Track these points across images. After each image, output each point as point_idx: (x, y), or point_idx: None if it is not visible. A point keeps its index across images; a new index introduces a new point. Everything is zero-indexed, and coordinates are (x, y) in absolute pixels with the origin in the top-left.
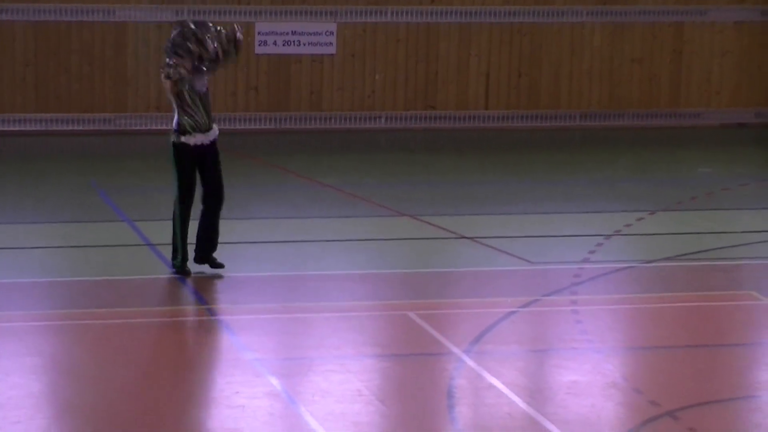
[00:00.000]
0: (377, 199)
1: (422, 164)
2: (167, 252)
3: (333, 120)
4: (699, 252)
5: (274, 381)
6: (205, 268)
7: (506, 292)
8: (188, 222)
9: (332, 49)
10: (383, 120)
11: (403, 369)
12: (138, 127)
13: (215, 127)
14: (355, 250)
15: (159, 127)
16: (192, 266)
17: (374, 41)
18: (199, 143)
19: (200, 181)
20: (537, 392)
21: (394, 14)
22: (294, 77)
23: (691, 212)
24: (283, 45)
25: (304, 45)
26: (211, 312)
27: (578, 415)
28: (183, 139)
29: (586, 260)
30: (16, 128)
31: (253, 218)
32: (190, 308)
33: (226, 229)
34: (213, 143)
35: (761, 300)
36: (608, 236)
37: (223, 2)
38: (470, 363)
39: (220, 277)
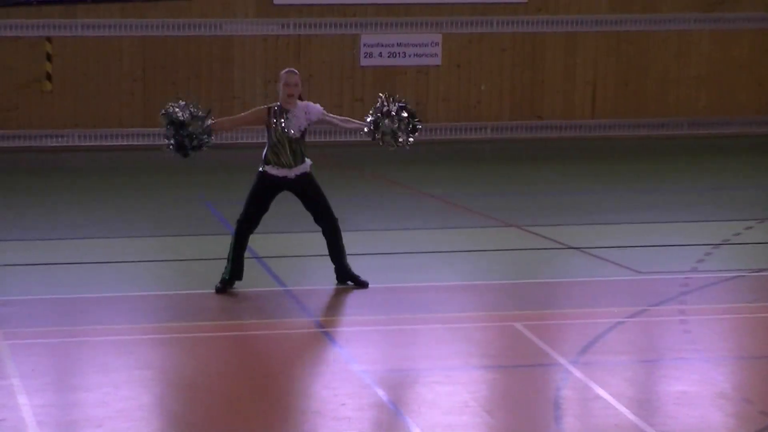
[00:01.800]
0: (483, 210)
1: (528, 174)
2: (274, 265)
3: (438, 131)
4: None
5: (381, 392)
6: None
7: (613, 302)
8: (242, 243)
9: (437, 60)
10: (489, 130)
11: (510, 380)
12: (244, 141)
13: (305, 162)
14: (461, 261)
15: (264, 140)
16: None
17: (479, 51)
18: (281, 175)
19: (308, 211)
20: (645, 403)
21: (499, 24)
22: (399, 88)
23: None
24: (389, 57)
25: (410, 56)
26: (318, 324)
27: (687, 425)
28: (266, 168)
29: (694, 269)
30: (124, 143)
31: (359, 230)
32: (296, 320)
33: None
34: (302, 176)
35: None
36: (717, 245)
37: (329, 15)
38: (577, 374)
39: (325, 290)
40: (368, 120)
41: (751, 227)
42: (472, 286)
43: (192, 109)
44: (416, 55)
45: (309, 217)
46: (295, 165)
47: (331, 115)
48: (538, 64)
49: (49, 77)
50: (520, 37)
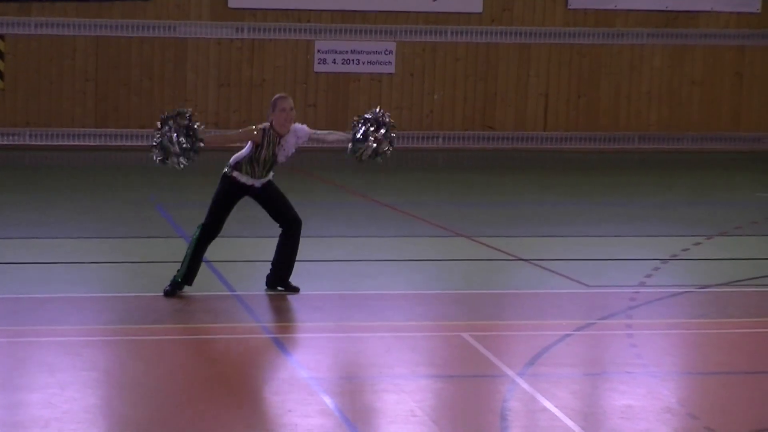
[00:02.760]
0: (434, 219)
1: (480, 184)
2: (224, 269)
3: None
4: (757, 278)
5: (328, 400)
6: (257, 288)
7: (562, 314)
8: (204, 247)
9: (391, 68)
10: (441, 140)
11: (456, 390)
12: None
13: (266, 176)
14: (411, 270)
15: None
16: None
17: (433, 60)
18: (249, 183)
19: (272, 217)
20: (591, 416)
21: (454, 34)
22: (352, 95)
23: (750, 237)
24: (343, 63)
25: (363, 64)
26: (266, 330)
27: None
28: (235, 174)
29: (642, 284)
30: (76, 142)
31: (310, 236)
32: (245, 326)
33: None
34: (266, 183)
35: None
36: (665, 260)
37: (284, 20)
38: (524, 385)
39: (275, 295)
40: (358, 131)
41: (699, 243)
42: (422, 295)
43: (182, 141)
44: (370, 62)
45: (259, 223)
46: (265, 177)
47: (318, 131)
48: (491, 74)
49: (0, 75)
50: (474, 48)
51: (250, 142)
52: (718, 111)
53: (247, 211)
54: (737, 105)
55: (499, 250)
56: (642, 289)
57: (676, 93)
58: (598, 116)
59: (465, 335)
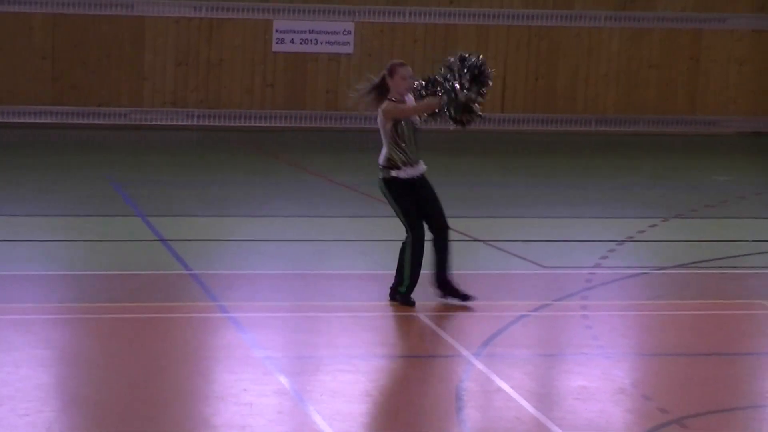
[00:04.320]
0: None
1: (437, 165)
2: (179, 248)
3: (349, 119)
4: (712, 260)
5: (283, 379)
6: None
7: (518, 295)
8: (422, 253)
9: (350, 48)
10: None
11: (412, 370)
12: (154, 122)
13: (422, 162)
14: (369, 250)
15: (174, 123)
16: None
17: (392, 41)
18: (409, 177)
19: (421, 215)
20: (545, 396)
21: (412, 15)
22: (311, 75)
23: (706, 220)
24: (301, 43)
25: (322, 44)
26: (222, 309)
27: (587, 420)
28: (393, 173)
29: (598, 265)
30: (33, 120)
31: (268, 215)
32: (201, 304)
33: (240, 226)
34: (422, 176)
35: None
36: (621, 242)
37: None
38: (479, 366)
39: (232, 274)
40: (445, 84)
41: (655, 225)
42: (379, 276)
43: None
44: (328, 42)
45: (218, 202)
46: (418, 161)
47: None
48: (449, 55)
49: None
50: (432, 29)
51: (387, 129)
52: (674, 94)
53: (207, 190)
54: (693, 88)
55: (456, 230)
56: (598, 271)
57: (634, 76)
58: (556, 98)
59: (421, 315)
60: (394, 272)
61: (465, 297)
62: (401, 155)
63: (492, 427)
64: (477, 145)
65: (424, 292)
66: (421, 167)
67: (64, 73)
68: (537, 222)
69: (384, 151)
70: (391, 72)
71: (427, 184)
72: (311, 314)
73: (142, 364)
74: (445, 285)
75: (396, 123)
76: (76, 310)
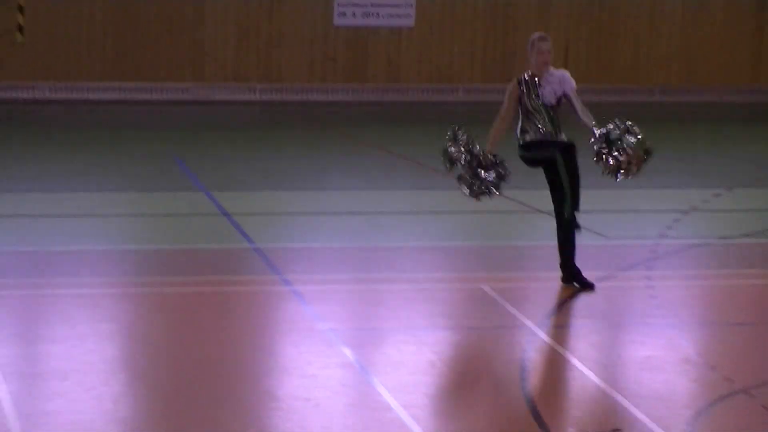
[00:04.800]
0: (452, 172)
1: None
2: (243, 222)
3: (410, 92)
4: None
5: (347, 351)
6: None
7: (582, 266)
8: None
9: (410, 21)
10: (461, 92)
11: (476, 341)
12: (215, 98)
13: (564, 137)
14: (431, 222)
15: (235, 98)
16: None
17: (453, 13)
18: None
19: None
20: (610, 367)
21: None
22: (372, 49)
23: None
24: (362, 17)
25: (383, 17)
26: (285, 282)
27: (651, 390)
28: (528, 138)
29: (662, 236)
30: (95, 96)
31: (329, 189)
32: (264, 278)
33: (301, 199)
34: (569, 145)
35: None
36: (685, 212)
37: None
38: (544, 337)
39: (294, 247)
40: (599, 132)
41: (719, 195)
42: (442, 248)
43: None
44: (390, 15)
45: (279, 176)
46: (554, 131)
47: (577, 97)
48: (510, 26)
49: (20, 29)
50: (492, 3)
51: (518, 107)
52: (738, 64)
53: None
54: (757, 58)
55: (518, 201)
56: (662, 241)
57: (697, 46)
58: (618, 69)
59: (485, 287)
60: (455, 243)
61: (586, 284)
62: (532, 127)
63: (557, 397)
64: None
65: (490, 262)
66: (558, 137)
67: (126, 50)
68: (600, 193)
69: (517, 126)
70: (531, 46)
71: (571, 158)
72: (373, 287)
73: (206, 338)
74: (566, 267)
75: (519, 101)
76: (140, 285)
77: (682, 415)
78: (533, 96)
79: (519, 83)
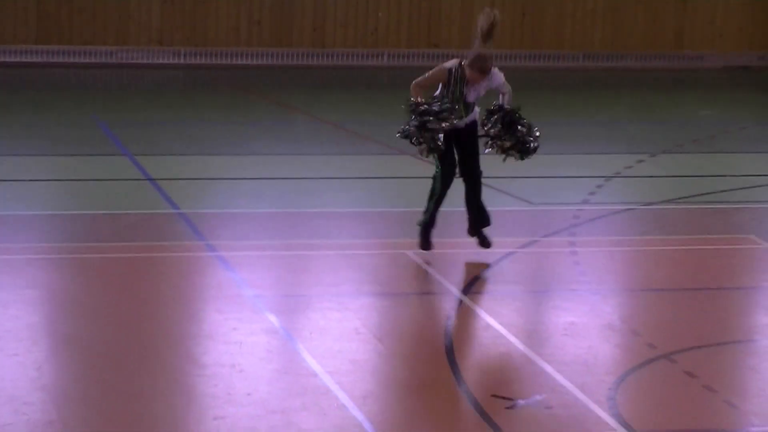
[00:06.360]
0: (378, 137)
1: None
2: (168, 187)
3: (335, 56)
4: (699, 195)
5: (272, 318)
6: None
7: (506, 232)
8: (440, 201)
9: None
10: (386, 57)
11: (401, 308)
12: (140, 60)
13: (475, 111)
14: (356, 188)
15: (160, 61)
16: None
17: None
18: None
19: (458, 163)
20: (534, 333)
21: None
22: (297, 12)
23: (692, 155)
24: None
25: None
26: (210, 248)
27: (575, 356)
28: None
29: (585, 202)
30: (18, 59)
31: (254, 154)
32: (189, 244)
33: (226, 165)
34: (471, 124)
35: (761, 244)
36: (608, 178)
37: None
38: (468, 303)
39: (219, 213)
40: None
41: (642, 161)
42: (366, 213)
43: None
44: None
45: (204, 141)
46: (466, 116)
47: (505, 85)
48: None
49: None
50: None
51: (440, 83)
52: (662, 29)
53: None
54: (681, 24)
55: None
56: (585, 207)
57: (620, 11)
58: (543, 35)
59: (409, 253)
60: (380, 209)
61: (485, 244)
62: None
63: (481, 363)
64: None
65: (414, 228)
66: (466, 120)
67: (49, 13)
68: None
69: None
70: (472, 60)
71: (472, 135)
72: (298, 252)
73: (130, 304)
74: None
75: (445, 87)
76: (63, 251)
77: (605, 381)
78: (458, 91)
79: (449, 72)
